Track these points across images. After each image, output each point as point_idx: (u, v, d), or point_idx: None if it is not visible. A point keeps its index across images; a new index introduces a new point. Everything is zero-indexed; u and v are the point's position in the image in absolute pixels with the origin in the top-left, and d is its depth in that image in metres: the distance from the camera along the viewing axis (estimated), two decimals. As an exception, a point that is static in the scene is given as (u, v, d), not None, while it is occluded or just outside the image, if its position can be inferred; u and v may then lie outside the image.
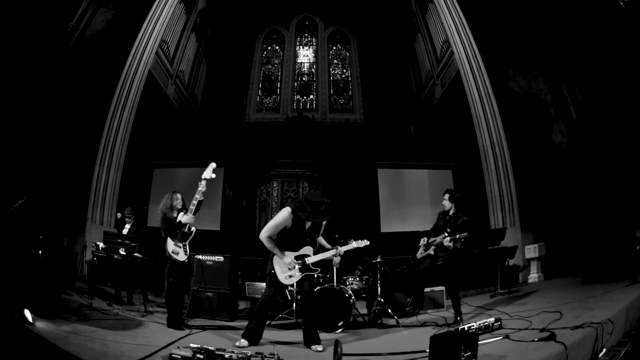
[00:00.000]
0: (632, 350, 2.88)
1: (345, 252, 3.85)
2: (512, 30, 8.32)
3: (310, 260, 3.63)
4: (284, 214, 3.57)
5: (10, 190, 5.14)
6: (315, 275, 3.79)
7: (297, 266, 3.60)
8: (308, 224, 3.64)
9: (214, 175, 4.22)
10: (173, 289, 4.23)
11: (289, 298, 5.00)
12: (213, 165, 4.22)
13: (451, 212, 4.50)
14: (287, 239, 3.65)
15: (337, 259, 3.77)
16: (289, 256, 3.61)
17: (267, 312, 3.73)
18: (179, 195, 4.42)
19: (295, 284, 3.67)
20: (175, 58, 11.50)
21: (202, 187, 4.16)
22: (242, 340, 3.47)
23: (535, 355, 2.70)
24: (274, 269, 3.61)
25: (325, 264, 4.00)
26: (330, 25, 15.15)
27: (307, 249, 3.69)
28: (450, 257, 4.32)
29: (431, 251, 4.44)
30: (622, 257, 4.84)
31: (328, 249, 3.84)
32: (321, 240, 3.86)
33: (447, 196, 4.52)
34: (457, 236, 4.20)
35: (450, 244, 4.19)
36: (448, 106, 10.71)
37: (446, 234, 4.25)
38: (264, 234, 3.60)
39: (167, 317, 4.20)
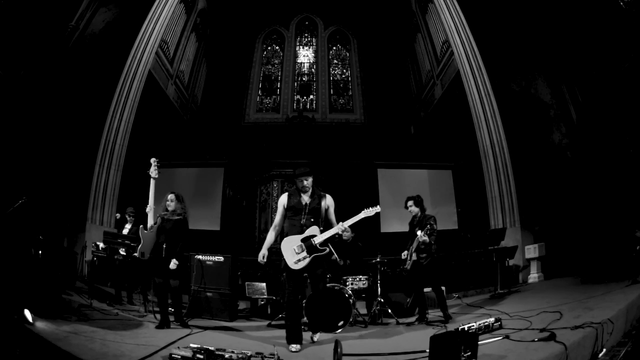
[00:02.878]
0: (632, 350, 2.88)
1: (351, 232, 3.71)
2: (511, 31, 8.31)
3: (317, 240, 3.52)
4: (281, 196, 3.84)
5: (10, 190, 5.14)
6: (327, 251, 3.61)
7: (303, 247, 3.49)
8: (305, 199, 3.64)
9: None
10: (159, 289, 4.26)
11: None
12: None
13: (419, 215, 4.87)
14: (290, 219, 3.65)
15: (346, 234, 3.61)
16: (295, 240, 3.52)
17: (298, 310, 3.59)
18: (169, 196, 4.59)
19: (307, 271, 3.55)
20: (175, 58, 11.49)
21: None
22: (292, 346, 3.40)
23: (535, 355, 2.70)
24: (283, 257, 3.53)
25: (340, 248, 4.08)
26: (330, 25, 15.13)
27: (314, 229, 3.57)
28: (431, 255, 4.60)
29: (414, 257, 4.68)
30: (622, 257, 4.84)
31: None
32: (334, 224, 3.71)
33: (411, 202, 4.92)
34: (427, 228, 4.54)
35: (426, 237, 4.48)
36: (448, 106, 10.70)
37: (418, 232, 4.53)
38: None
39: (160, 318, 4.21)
